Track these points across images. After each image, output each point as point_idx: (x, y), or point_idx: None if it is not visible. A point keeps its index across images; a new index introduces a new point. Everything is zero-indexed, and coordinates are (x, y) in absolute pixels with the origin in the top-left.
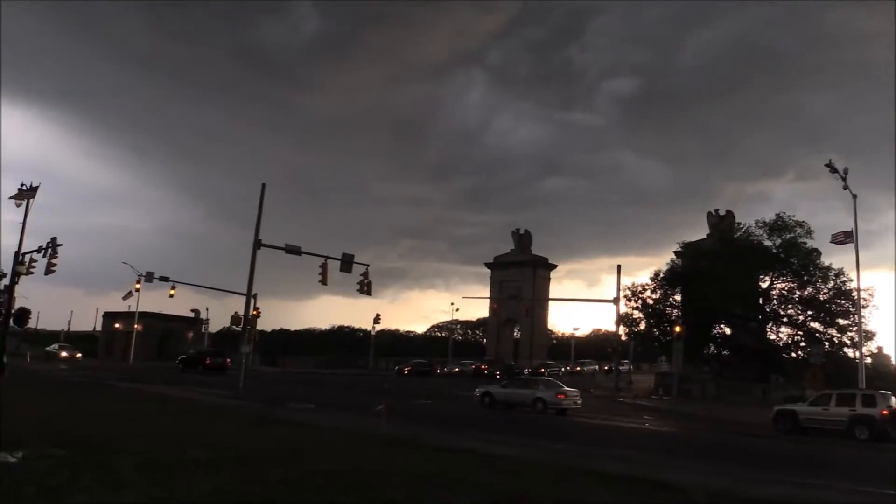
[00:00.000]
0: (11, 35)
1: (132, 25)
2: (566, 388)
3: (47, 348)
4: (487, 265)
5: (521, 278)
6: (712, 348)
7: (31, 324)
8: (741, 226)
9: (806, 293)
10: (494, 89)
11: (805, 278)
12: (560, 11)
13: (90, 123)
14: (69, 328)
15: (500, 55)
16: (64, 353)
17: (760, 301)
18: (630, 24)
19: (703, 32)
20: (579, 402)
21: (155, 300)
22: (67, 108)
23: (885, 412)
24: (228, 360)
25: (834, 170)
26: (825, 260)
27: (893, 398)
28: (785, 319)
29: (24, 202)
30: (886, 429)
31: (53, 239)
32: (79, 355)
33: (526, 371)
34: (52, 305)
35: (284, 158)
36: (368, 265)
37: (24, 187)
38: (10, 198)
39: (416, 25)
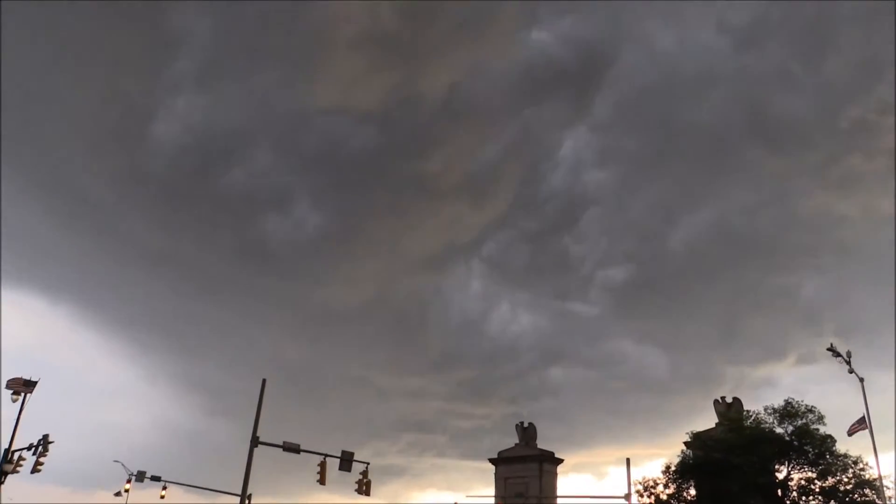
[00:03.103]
0: (17, 228)
1: (135, 223)
2: None
3: None
4: (491, 461)
5: (526, 474)
6: None
7: None
8: (750, 413)
9: (826, 484)
10: (493, 280)
11: (822, 468)
12: (554, 204)
13: (92, 316)
14: None
15: (497, 247)
16: None
17: (779, 493)
18: (621, 214)
19: (689, 218)
20: None
21: (146, 500)
22: (70, 300)
23: None
24: None
25: (837, 354)
26: (840, 447)
27: None
28: None
29: (21, 397)
30: None
31: (45, 436)
32: None
33: None
34: None
35: (284, 352)
36: (368, 463)
37: (23, 380)
38: (7, 387)
39: (414, 218)
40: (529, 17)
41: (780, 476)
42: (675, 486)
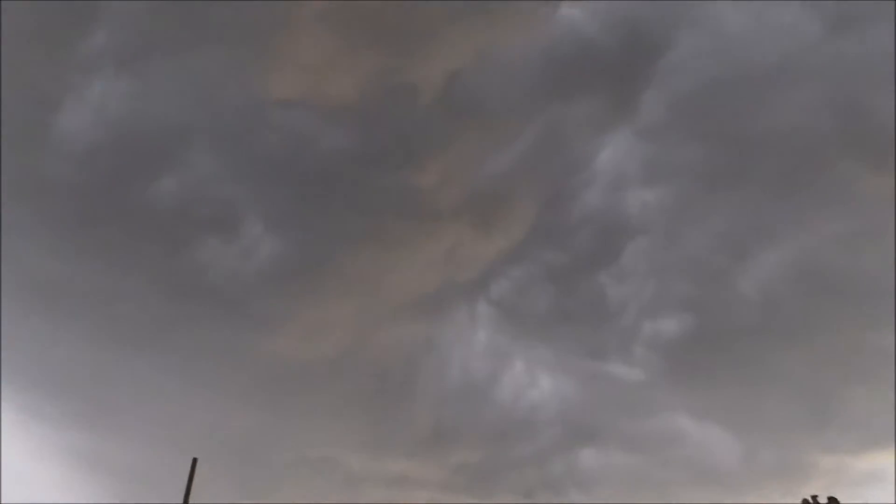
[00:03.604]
0: None
1: (24, 245)
2: None
3: None
4: None
5: None
6: None
7: None
8: None
9: None
10: (504, 330)
11: None
12: (587, 232)
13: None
14: None
15: (511, 286)
16: None
17: None
18: (675, 246)
19: (766, 253)
20: None
21: None
22: None
23: None
24: None
25: None
26: None
27: None
28: None
29: None
30: None
31: None
32: None
33: None
34: None
35: (225, 421)
36: None
37: None
38: None
39: (401, 247)
40: None
41: None
42: None
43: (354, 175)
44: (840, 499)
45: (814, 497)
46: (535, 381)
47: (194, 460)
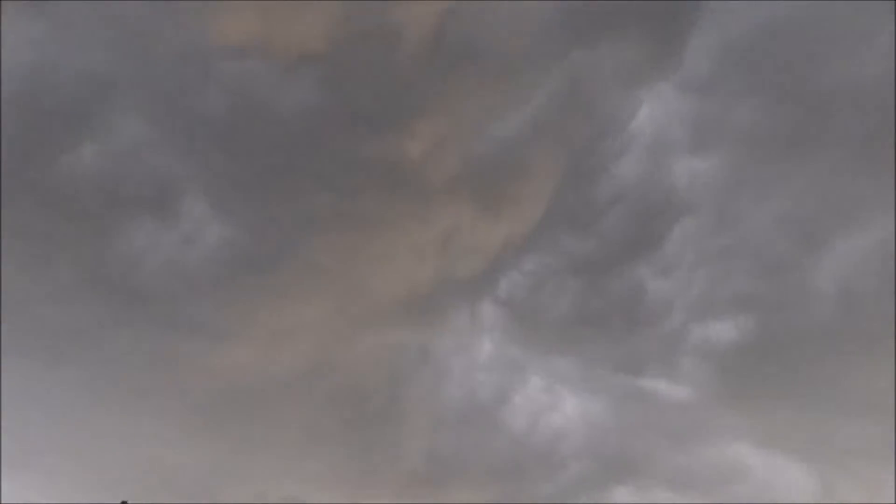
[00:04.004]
0: None
1: None
2: None
3: None
4: None
5: None
6: None
7: None
8: None
9: None
10: (516, 337)
11: None
12: (620, 212)
13: None
14: None
15: (524, 282)
16: None
17: None
18: (730, 230)
19: (845, 239)
20: None
21: None
22: None
23: None
24: None
25: None
26: None
27: None
28: None
29: None
30: None
31: None
32: None
33: None
34: None
35: (163, 454)
36: None
37: None
38: None
39: (384, 233)
40: None
41: None
42: None
43: (323, 142)
44: None
45: None
46: (555, 401)
47: None
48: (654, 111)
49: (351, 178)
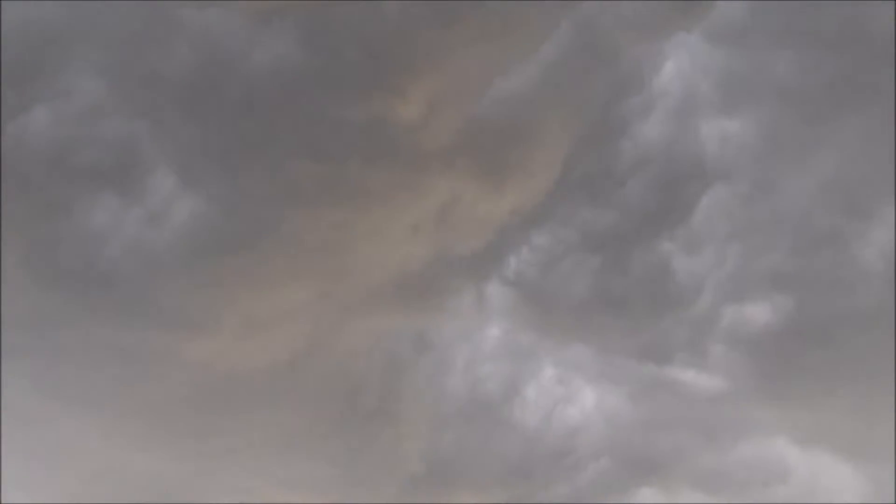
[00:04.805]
0: None
1: None
2: None
3: None
4: None
5: None
6: None
7: None
8: None
9: None
10: (526, 322)
11: None
12: (643, 180)
13: None
14: None
15: (534, 259)
16: None
17: None
18: (768, 199)
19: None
20: None
21: None
22: None
23: None
24: None
25: None
26: None
27: None
28: None
29: None
30: None
31: None
32: None
33: None
34: None
35: (129, 456)
36: None
37: None
38: None
39: (375, 207)
40: None
41: None
42: None
43: (304, 104)
44: None
45: None
46: (571, 394)
47: None
48: (680, 65)
49: (336, 145)
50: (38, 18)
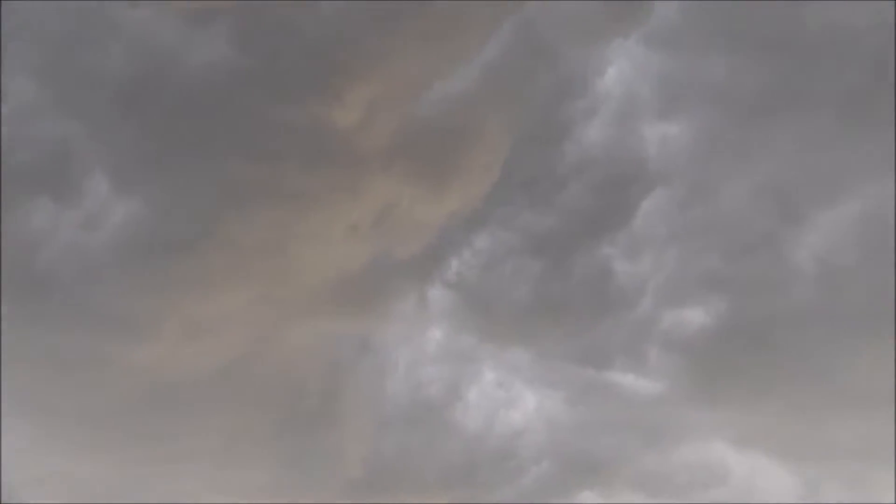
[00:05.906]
0: None
1: None
2: None
3: None
4: None
5: None
6: None
7: None
8: None
9: None
10: (467, 325)
11: None
12: (584, 184)
13: None
14: None
15: (476, 262)
16: None
17: None
18: (706, 203)
19: (828, 211)
20: None
21: None
22: None
23: None
24: None
25: None
26: None
27: None
28: None
29: None
30: None
31: None
32: None
33: None
34: None
35: (68, 463)
36: None
37: None
38: None
39: (314, 210)
40: None
41: None
42: None
43: (241, 105)
44: None
45: None
46: (512, 397)
47: None
48: (622, 69)
49: (274, 146)
50: None
